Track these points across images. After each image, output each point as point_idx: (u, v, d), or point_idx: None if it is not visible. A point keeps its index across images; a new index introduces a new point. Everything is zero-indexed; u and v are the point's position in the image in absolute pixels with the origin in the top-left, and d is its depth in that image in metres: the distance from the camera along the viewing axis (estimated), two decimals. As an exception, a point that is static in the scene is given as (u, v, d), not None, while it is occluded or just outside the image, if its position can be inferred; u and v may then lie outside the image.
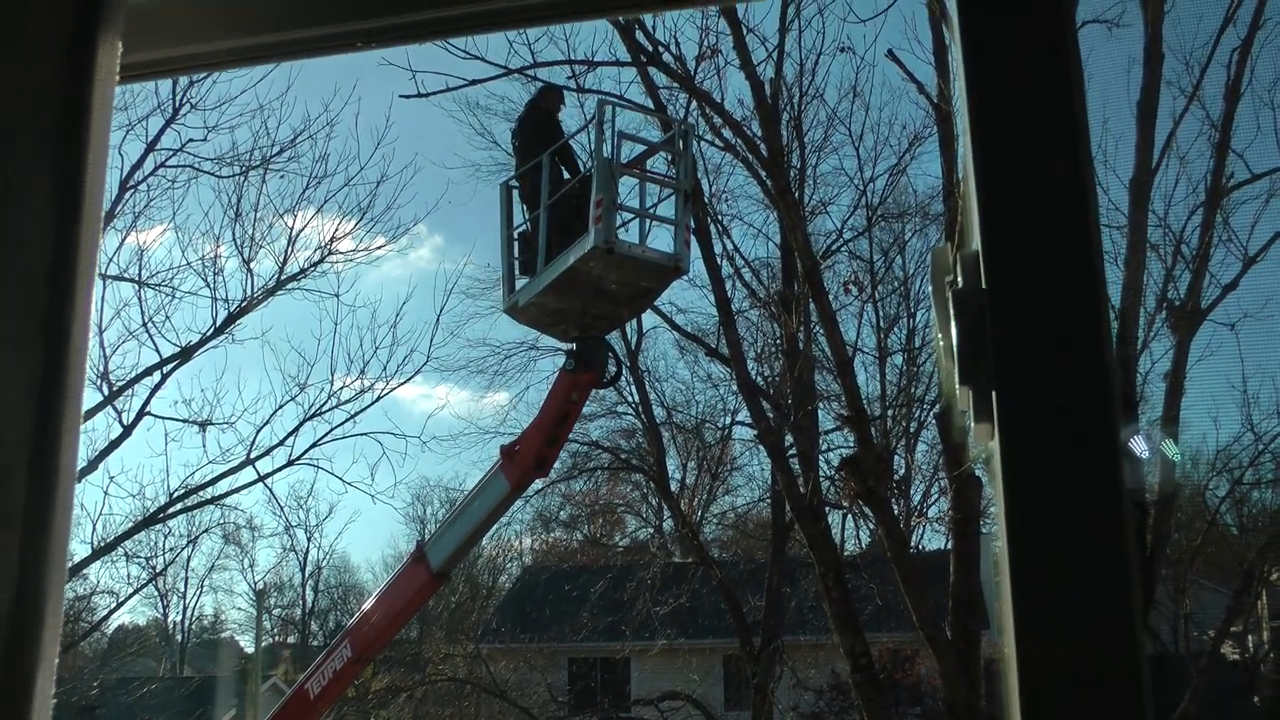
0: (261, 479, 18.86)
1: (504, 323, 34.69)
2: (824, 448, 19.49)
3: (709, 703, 24.46)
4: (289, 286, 18.45)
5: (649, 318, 20.99)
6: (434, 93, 14.26)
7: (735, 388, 20.43)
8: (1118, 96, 10.88)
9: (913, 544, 22.24)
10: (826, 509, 17.55)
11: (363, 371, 19.41)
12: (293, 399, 19.01)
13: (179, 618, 48.02)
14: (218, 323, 17.62)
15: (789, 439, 17.20)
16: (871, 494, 13.14)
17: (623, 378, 20.26)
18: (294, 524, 41.97)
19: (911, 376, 23.93)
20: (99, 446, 17.10)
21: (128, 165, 17.10)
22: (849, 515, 24.16)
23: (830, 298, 15.19)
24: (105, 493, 22.27)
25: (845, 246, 20.78)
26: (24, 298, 1.16)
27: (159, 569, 30.11)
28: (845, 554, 22.68)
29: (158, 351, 17.31)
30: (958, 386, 1.07)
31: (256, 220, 18.71)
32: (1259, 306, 11.05)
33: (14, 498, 1.12)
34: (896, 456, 22.94)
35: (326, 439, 18.85)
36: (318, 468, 23.05)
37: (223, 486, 18.78)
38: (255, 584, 44.70)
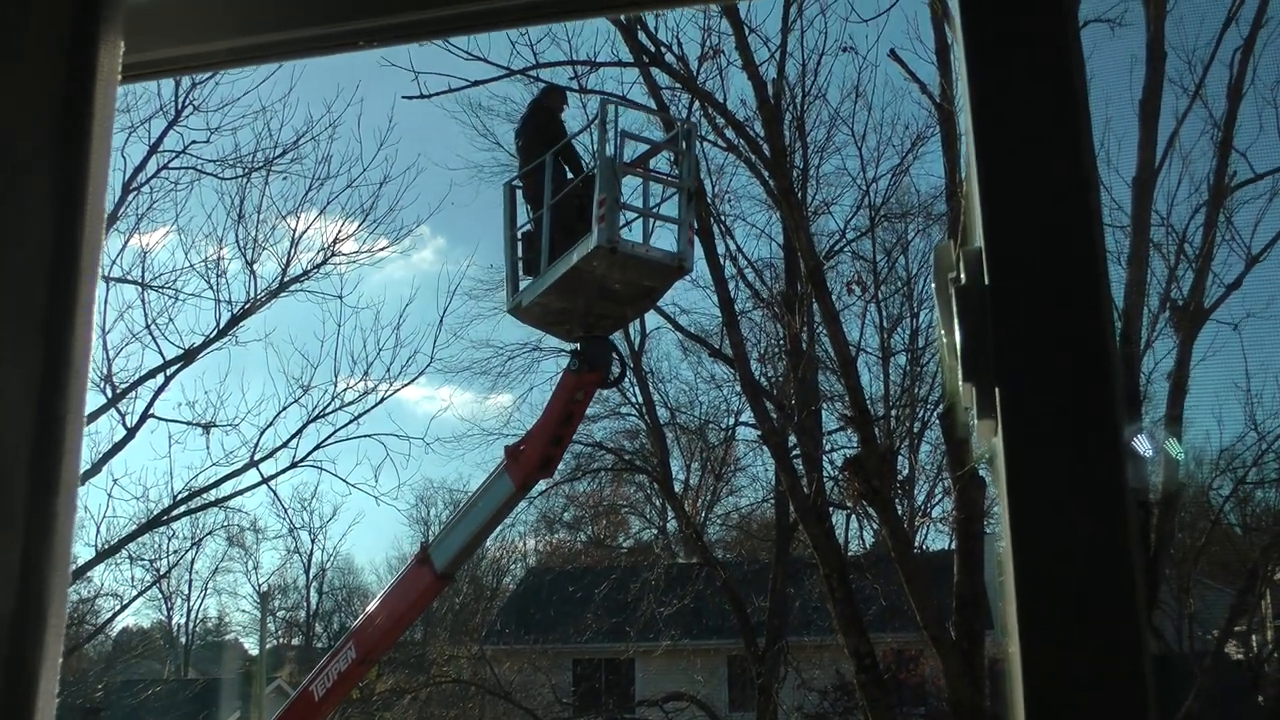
0: (265, 481, 18.92)
1: (507, 324, 34.75)
2: (828, 448, 19.47)
3: (713, 704, 24.46)
4: (292, 288, 18.51)
5: (652, 318, 21.00)
6: (436, 94, 14.27)
7: (739, 388, 20.39)
8: (1120, 95, 10.88)
9: (917, 544, 22.25)
10: (830, 509, 17.54)
11: (366, 373, 19.48)
12: (296, 401, 19.08)
13: (183, 620, 48.08)
14: (221, 325, 17.68)
15: (793, 439, 17.20)
16: (875, 494, 13.14)
17: (626, 378, 20.29)
18: (298, 526, 41.97)
19: (915, 376, 23.89)
20: (103, 449, 17.13)
21: (130, 167, 17.15)
22: (853, 515, 24.15)
23: (833, 298, 15.17)
24: (109, 495, 22.29)
25: (848, 246, 20.75)
26: (25, 298, 1.15)
27: (163, 571, 30.04)
28: (849, 554, 22.66)
29: (161, 354, 17.36)
30: (961, 384, 1.07)
31: (259, 222, 18.77)
32: (1262, 306, 11.06)
33: (16, 499, 1.12)
34: (900, 456, 22.91)
35: (330, 441, 18.92)
36: (321, 469, 23.02)
37: (226, 489, 18.85)
38: (259, 586, 44.73)
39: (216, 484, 18.61)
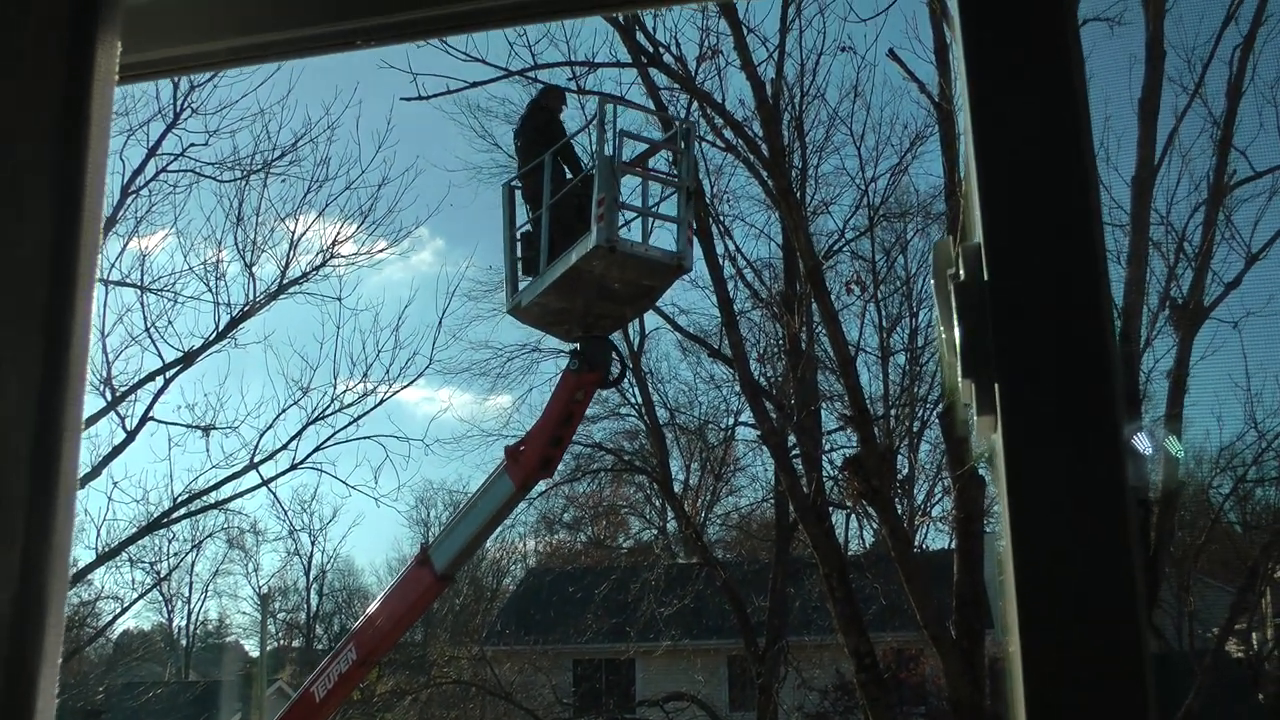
0: (265, 483, 18.91)
1: (506, 325, 34.76)
2: (827, 448, 19.47)
3: (714, 704, 24.47)
4: (291, 290, 18.51)
5: (651, 319, 21.02)
6: (435, 95, 14.27)
7: (738, 388, 20.43)
8: (1120, 94, 10.87)
9: (916, 543, 22.26)
10: (830, 509, 17.54)
11: (365, 375, 19.48)
12: (296, 403, 19.07)
13: (184, 622, 48.11)
14: (220, 327, 17.67)
15: (792, 439, 17.20)
16: (875, 494, 13.14)
17: (626, 378, 20.29)
18: (298, 528, 41.92)
19: (914, 376, 23.90)
20: (102, 452, 17.12)
21: (129, 170, 17.14)
22: (853, 515, 24.17)
23: (832, 298, 15.18)
24: (109, 498, 22.34)
25: (847, 246, 20.77)
26: (23, 300, 1.15)
27: (163, 574, 30.10)
28: (849, 554, 22.68)
29: (160, 356, 17.35)
30: (960, 380, 1.07)
31: (258, 224, 18.77)
32: (1262, 304, 11.05)
33: (15, 501, 1.12)
34: (900, 456, 22.92)
35: (330, 443, 18.91)
36: (321, 471, 23.00)
37: (226, 491, 18.82)
38: (259, 588, 44.75)
39: (216, 486, 18.62)
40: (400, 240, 29.02)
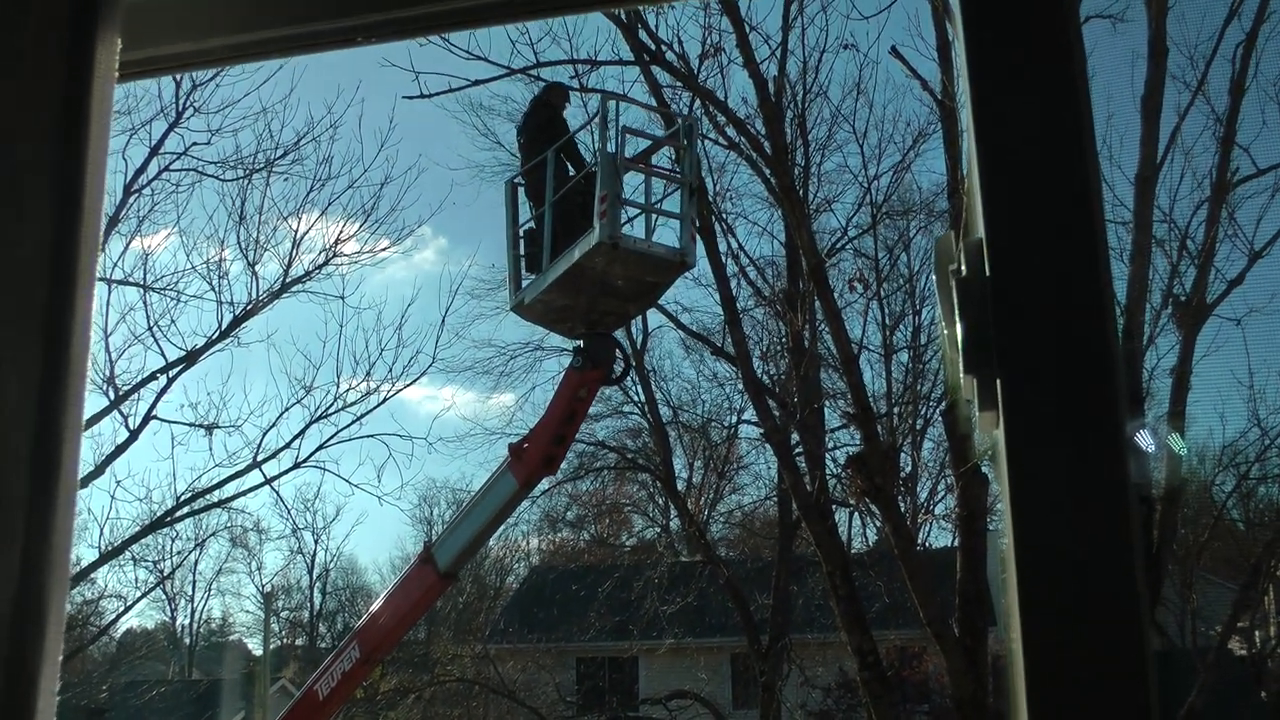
0: (268, 482, 18.92)
1: (509, 324, 34.78)
2: (830, 445, 19.46)
3: (717, 701, 24.46)
4: (294, 289, 18.51)
5: (654, 317, 21.02)
6: (437, 93, 14.27)
7: (741, 386, 20.41)
8: (1122, 91, 10.85)
9: (920, 541, 22.26)
10: (833, 507, 17.54)
11: (368, 373, 19.49)
12: (299, 402, 19.08)
13: (187, 621, 48.12)
14: (223, 326, 17.66)
15: (795, 437, 17.18)
16: (878, 491, 13.14)
17: (629, 376, 20.28)
18: (301, 526, 41.96)
19: (917, 373, 23.92)
20: (106, 451, 17.13)
21: (132, 169, 17.13)
22: (856, 513, 24.18)
23: (835, 295, 15.15)
24: (112, 497, 22.37)
25: (850, 244, 20.73)
26: (23, 299, 1.15)
27: (166, 573, 30.13)
28: (852, 552, 22.67)
29: (163, 355, 17.33)
30: (962, 376, 1.07)
31: (261, 223, 18.78)
32: (1265, 301, 11.02)
33: (16, 501, 1.12)
34: (903, 454, 22.94)
35: (333, 441, 18.92)
36: (324, 470, 23.07)
37: (230, 490, 18.82)
38: (263, 587, 44.80)
39: (219, 485, 18.62)
40: (403, 239, 28.83)
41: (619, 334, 13.77)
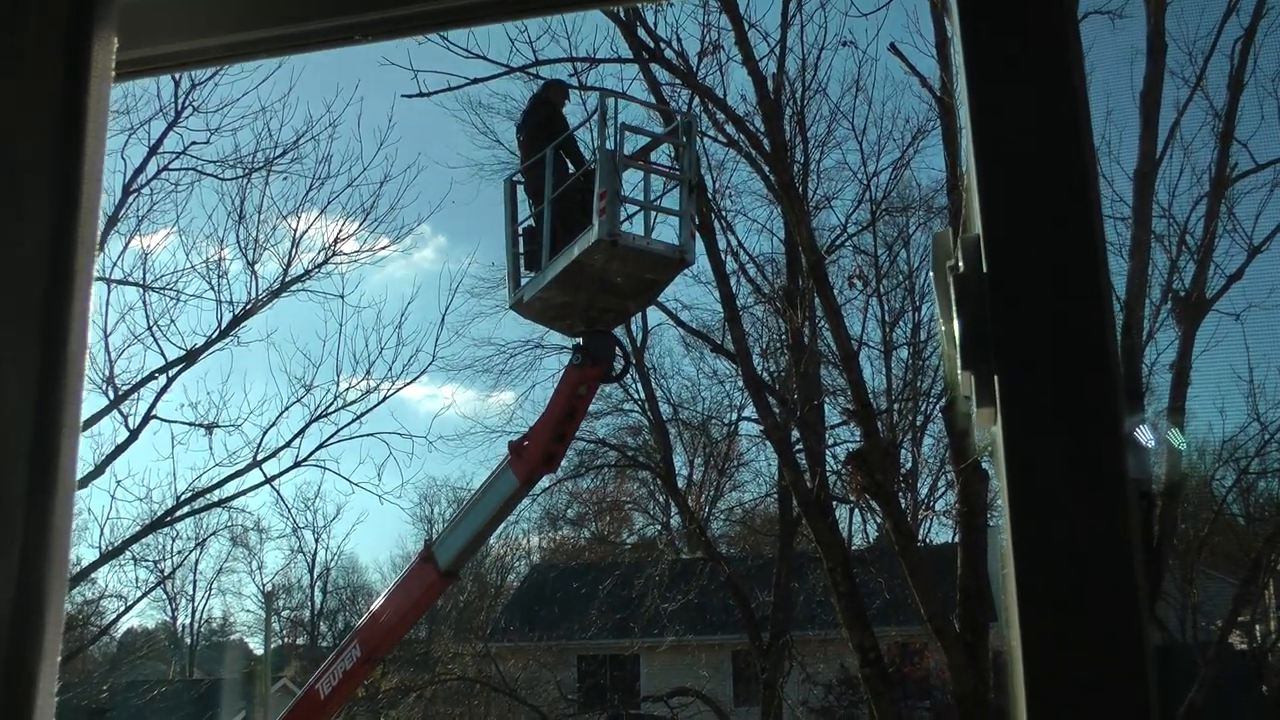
0: (269, 481, 18.93)
1: (509, 322, 34.78)
2: (830, 442, 19.45)
3: (718, 698, 24.47)
4: (293, 288, 18.51)
5: (654, 315, 21.03)
6: (436, 91, 14.31)
7: (741, 383, 20.40)
8: (1121, 87, 10.85)
9: (920, 537, 22.24)
10: (834, 504, 17.55)
11: (368, 372, 19.50)
12: (299, 400, 19.09)
13: (188, 620, 48.09)
14: (222, 325, 17.66)
15: (795, 434, 17.19)
16: (878, 488, 13.14)
17: (629, 374, 20.28)
18: (301, 525, 41.92)
19: (917, 370, 23.94)
20: (105, 451, 17.14)
21: (131, 169, 17.12)
22: (856, 509, 24.17)
23: (835, 292, 15.15)
24: (112, 497, 22.35)
25: (849, 241, 20.73)
26: (21, 298, 1.15)
27: (167, 572, 30.12)
28: (853, 548, 22.66)
29: (163, 355, 17.33)
30: (960, 371, 1.07)
31: (260, 222, 18.78)
32: (1264, 296, 11.04)
33: (14, 501, 1.12)
34: (903, 450, 22.97)
35: (333, 440, 18.93)
36: (325, 469, 23.13)
37: (230, 489, 18.84)
38: (263, 586, 44.79)
39: (220, 484, 18.63)
40: (402, 237, 28.82)
41: (619, 331, 13.74)
